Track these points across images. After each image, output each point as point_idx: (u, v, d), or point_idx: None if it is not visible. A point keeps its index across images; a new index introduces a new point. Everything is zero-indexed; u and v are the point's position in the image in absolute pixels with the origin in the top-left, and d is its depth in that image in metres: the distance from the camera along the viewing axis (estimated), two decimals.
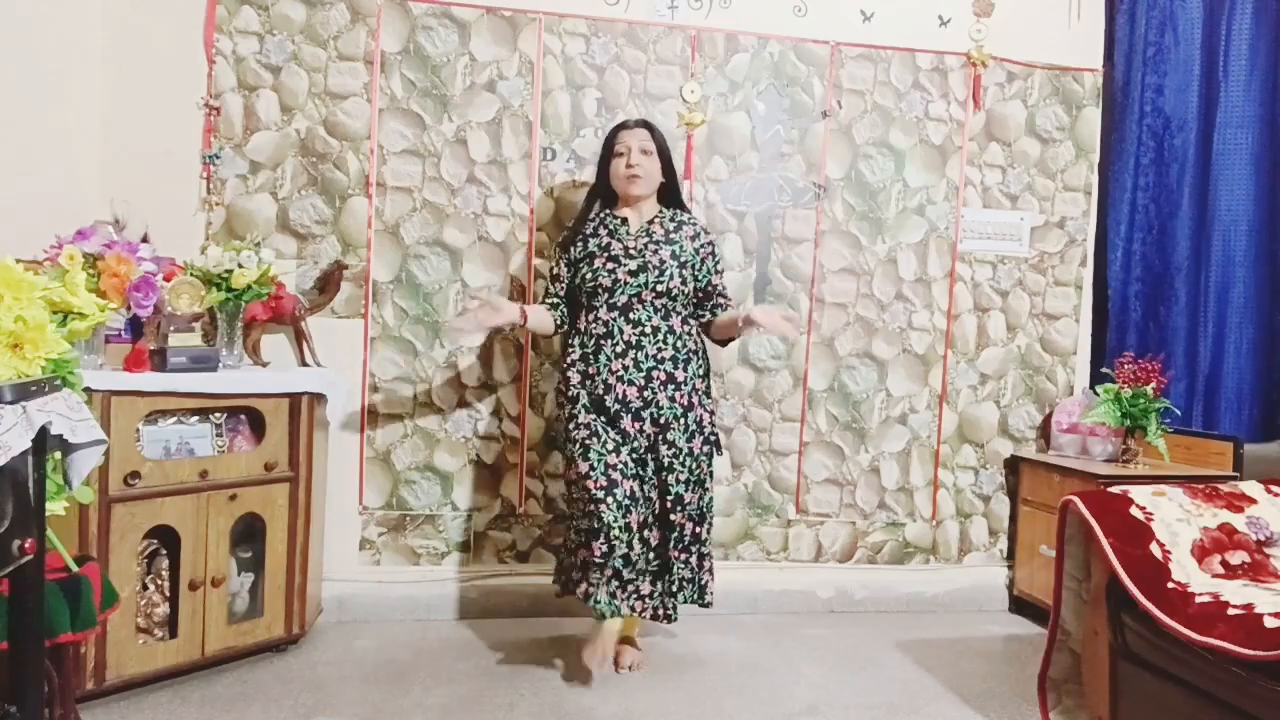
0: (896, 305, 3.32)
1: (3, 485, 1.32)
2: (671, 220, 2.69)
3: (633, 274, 2.58)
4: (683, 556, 2.60)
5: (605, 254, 2.62)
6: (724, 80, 3.17)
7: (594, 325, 2.59)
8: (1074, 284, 3.45)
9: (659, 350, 2.57)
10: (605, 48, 3.09)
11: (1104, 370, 3.25)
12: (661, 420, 2.55)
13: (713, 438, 2.66)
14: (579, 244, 2.68)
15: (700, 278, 2.68)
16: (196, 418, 2.49)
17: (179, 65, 2.85)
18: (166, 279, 2.44)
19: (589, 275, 2.61)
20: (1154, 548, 2.02)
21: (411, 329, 3.02)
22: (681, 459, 2.58)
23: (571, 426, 2.57)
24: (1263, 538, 2.10)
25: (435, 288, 3.03)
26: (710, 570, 2.67)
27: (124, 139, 2.79)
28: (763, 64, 3.19)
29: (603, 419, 2.56)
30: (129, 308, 2.32)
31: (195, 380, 2.38)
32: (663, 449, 2.56)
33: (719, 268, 2.73)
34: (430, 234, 3.02)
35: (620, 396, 2.54)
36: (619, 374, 2.55)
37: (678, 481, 2.57)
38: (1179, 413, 3.30)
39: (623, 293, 2.57)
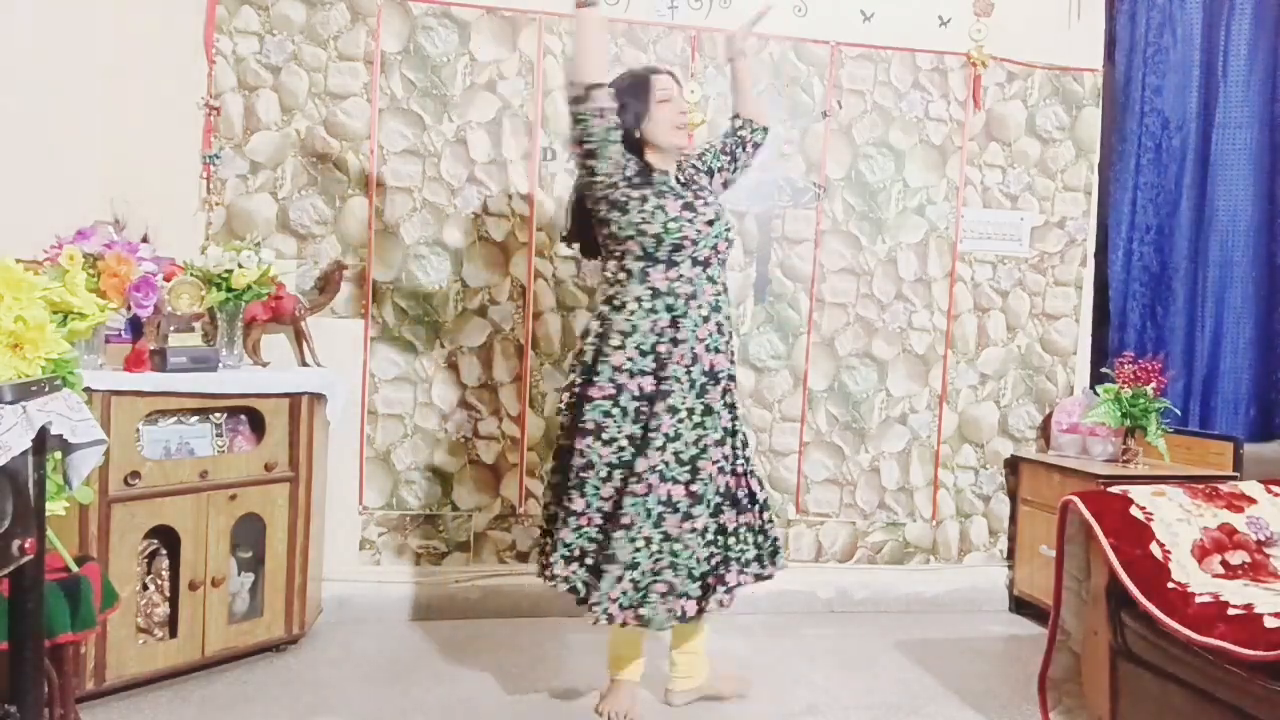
0: (896, 305, 3.32)
1: (3, 485, 1.32)
2: (682, 171, 2.41)
3: (709, 223, 2.28)
4: (761, 521, 2.37)
5: (676, 200, 2.26)
6: (724, 80, 3.16)
7: (679, 284, 2.24)
8: (1074, 284, 3.45)
9: (728, 312, 2.35)
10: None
11: (1104, 370, 3.25)
12: (729, 388, 2.34)
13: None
14: (627, 185, 2.25)
15: (717, 162, 2.45)
16: (196, 418, 2.49)
17: (179, 65, 2.85)
18: (166, 279, 2.44)
19: (671, 225, 2.21)
20: (1154, 548, 2.02)
21: (411, 329, 3.02)
22: (741, 421, 2.39)
23: (603, 407, 2.22)
24: (1263, 538, 2.10)
25: (435, 288, 3.03)
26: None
27: (124, 139, 2.79)
28: (763, 64, 3.19)
29: (665, 404, 2.21)
30: (129, 308, 2.32)
31: (195, 380, 2.38)
32: (727, 414, 2.32)
33: (711, 146, 2.49)
34: (430, 234, 3.02)
35: (708, 368, 2.25)
36: (706, 341, 2.25)
37: (744, 446, 2.38)
38: (1179, 413, 3.30)
39: (705, 245, 2.26)
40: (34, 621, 1.47)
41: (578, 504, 2.24)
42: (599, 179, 2.24)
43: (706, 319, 2.26)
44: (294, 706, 2.31)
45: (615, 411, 2.21)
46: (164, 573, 2.42)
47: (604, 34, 2.28)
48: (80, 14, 2.72)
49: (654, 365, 2.22)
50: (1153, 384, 3.03)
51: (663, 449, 2.20)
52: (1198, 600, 1.85)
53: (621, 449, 2.21)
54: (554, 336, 3.09)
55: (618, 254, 2.29)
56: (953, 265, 3.35)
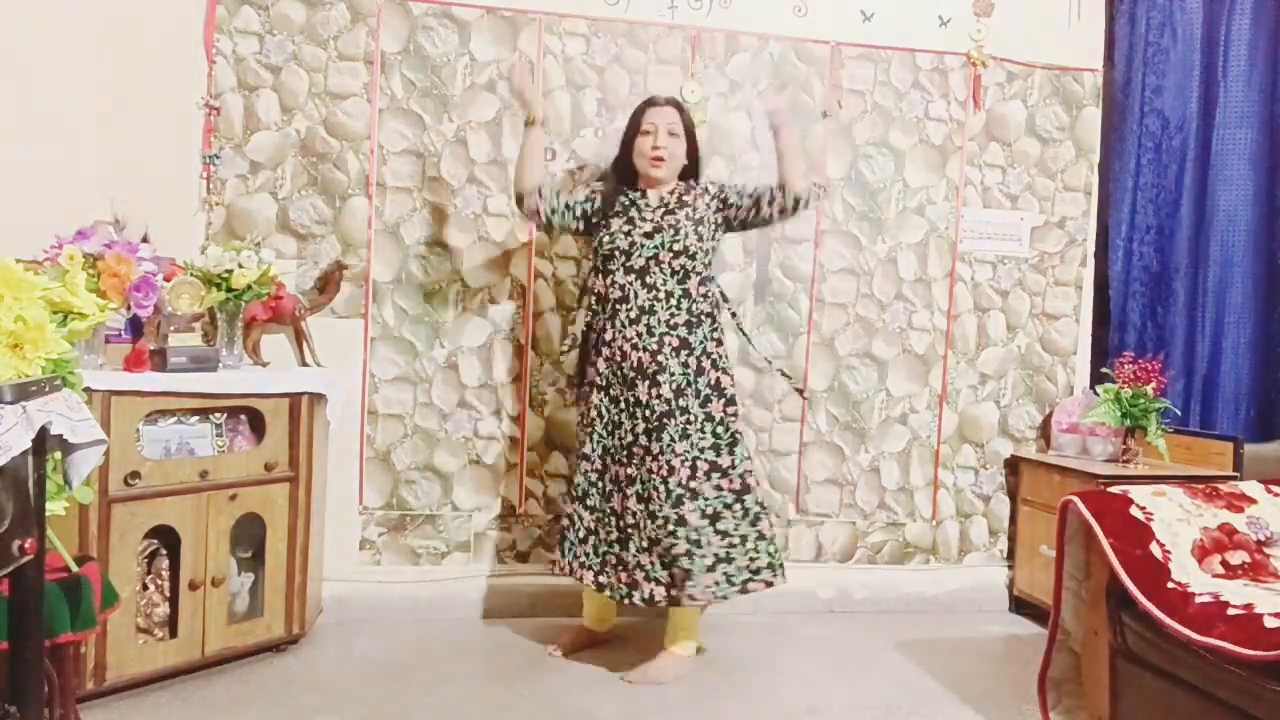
0: (896, 305, 3.32)
1: (3, 485, 1.32)
2: (686, 191, 2.68)
3: (648, 235, 2.58)
4: (737, 527, 2.55)
5: (623, 218, 2.62)
6: (724, 80, 3.17)
7: (610, 290, 2.58)
8: (1074, 284, 3.45)
9: (672, 316, 2.55)
10: (605, 48, 3.09)
11: (1104, 370, 3.25)
12: (675, 386, 2.52)
13: (731, 399, 2.61)
14: (599, 209, 2.68)
15: (736, 200, 2.65)
16: (196, 418, 2.49)
17: (179, 65, 2.85)
18: (166, 279, 2.44)
19: (606, 239, 2.60)
20: (1154, 548, 2.02)
21: (411, 329, 3.02)
22: (699, 425, 2.54)
23: (587, 403, 2.66)
24: (1263, 538, 2.10)
25: (435, 288, 3.03)
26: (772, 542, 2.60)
27: (124, 139, 2.78)
28: (763, 64, 3.19)
29: (608, 396, 2.60)
30: (129, 308, 2.32)
31: (195, 380, 2.38)
32: (678, 417, 2.51)
33: (744, 185, 2.70)
34: (430, 234, 3.02)
35: (636, 364, 2.53)
36: (633, 340, 2.54)
37: (703, 449, 2.53)
38: (1179, 413, 3.30)
39: (639, 255, 2.57)
40: (34, 621, 1.47)
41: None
42: (576, 229, 2.75)
43: (635, 320, 2.55)
44: (294, 706, 2.31)
45: (587, 409, 2.66)
46: (164, 573, 2.42)
47: (538, 148, 2.69)
48: (80, 13, 2.72)
49: (602, 364, 2.59)
50: (1153, 384, 3.02)
51: (589, 456, 2.62)
52: (1198, 600, 1.85)
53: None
54: (554, 336, 3.09)
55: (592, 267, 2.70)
56: (953, 265, 3.35)
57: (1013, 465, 3.42)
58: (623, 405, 2.57)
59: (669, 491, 2.48)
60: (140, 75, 2.80)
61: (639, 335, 2.54)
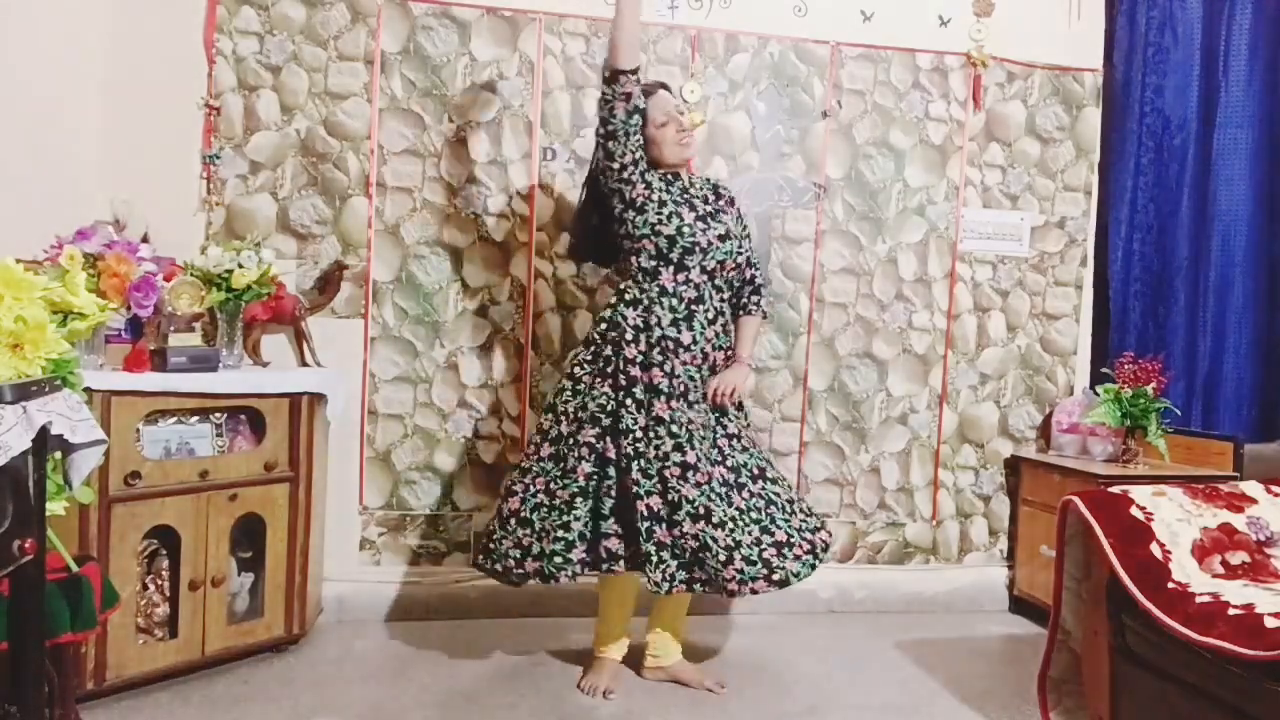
0: (896, 305, 3.32)
1: (3, 485, 1.32)
2: (713, 190, 2.57)
3: (721, 239, 2.44)
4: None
5: (689, 208, 2.42)
6: (724, 80, 3.17)
7: (685, 288, 2.40)
8: (1074, 284, 3.45)
9: (726, 325, 2.51)
10: (605, 47, 3.08)
11: (1104, 370, 3.24)
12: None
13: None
14: (638, 184, 2.39)
15: (740, 260, 2.55)
16: (196, 418, 2.49)
17: (179, 65, 2.85)
18: (166, 279, 2.44)
19: (682, 227, 2.37)
20: (1154, 548, 2.01)
21: (411, 329, 3.02)
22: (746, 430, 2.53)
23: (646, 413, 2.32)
24: (1263, 538, 2.10)
25: (435, 288, 3.03)
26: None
27: (124, 139, 2.79)
28: (763, 64, 3.19)
29: (685, 403, 2.35)
30: (129, 308, 2.32)
31: (195, 380, 2.38)
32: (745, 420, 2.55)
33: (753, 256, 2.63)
34: (430, 234, 3.02)
35: (714, 364, 2.46)
36: (713, 341, 2.44)
37: (751, 456, 2.49)
38: (1179, 412, 3.30)
39: (713, 257, 2.43)
40: (34, 621, 1.47)
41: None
42: (614, 165, 2.39)
43: (713, 320, 2.45)
44: (294, 706, 2.31)
45: (629, 403, 2.34)
46: (164, 573, 2.42)
47: (640, 18, 2.39)
48: (80, 14, 2.72)
49: (661, 359, 2.36)
50: (1153, 384, 3.03)
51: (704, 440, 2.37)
52: (1198, 600, 1.85)
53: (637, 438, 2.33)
54: (554, 336, 3.09)
55: (633, 252, 2.45)
56: (953, 265, 3.35)
57: (1013, 465, 3.42)
58: (701, 410, 2.40)
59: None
60: (140, 75, 2.81)
61: (717, 335, 2.45)
